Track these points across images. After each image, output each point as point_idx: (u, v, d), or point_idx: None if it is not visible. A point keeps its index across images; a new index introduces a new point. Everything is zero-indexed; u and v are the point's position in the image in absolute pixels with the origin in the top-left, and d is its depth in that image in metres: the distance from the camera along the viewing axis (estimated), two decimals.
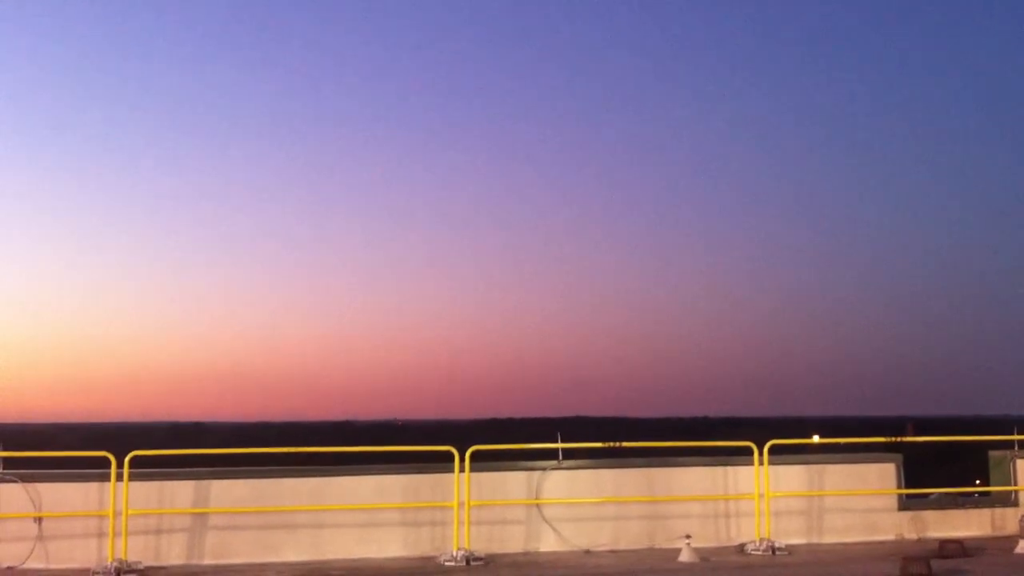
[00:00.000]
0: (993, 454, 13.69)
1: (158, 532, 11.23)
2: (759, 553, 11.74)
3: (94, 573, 10.45)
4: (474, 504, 11.60)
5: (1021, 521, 12.70)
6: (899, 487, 12.79)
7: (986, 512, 13.06)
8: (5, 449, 11.18)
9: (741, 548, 12.05)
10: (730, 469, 12.47)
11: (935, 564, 10.33)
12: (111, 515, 10.79)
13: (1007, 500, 13.24)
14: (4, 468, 11.07)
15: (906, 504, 12.85)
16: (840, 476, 12.74)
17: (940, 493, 13.62)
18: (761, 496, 12.05)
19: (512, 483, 12.06)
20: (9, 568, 10.84)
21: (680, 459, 12.74)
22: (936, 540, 11.99)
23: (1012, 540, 12.21)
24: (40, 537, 10.94)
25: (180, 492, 11.38)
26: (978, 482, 15.07)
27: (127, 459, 10.83)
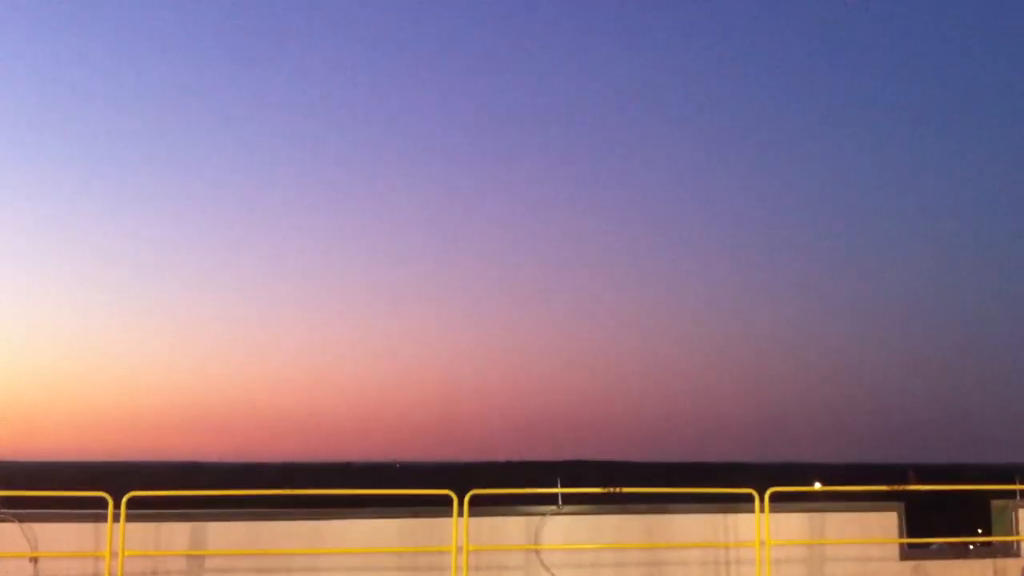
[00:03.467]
0: (995, 503, 13.60)
1: (154, 574, 11.15)
2: None
3: None
4: (472, 549, 11.52)
5: (1023, 573, 12.61)
6: (901, 536, 12.69)
7: (988, 562, 12.95)
8: (2, 488, 11.14)
9: None
10: (730, 516, 12.38)
11: None
12: (107, 556, 10.72)
13: (1009, 550, 13.13)
14: (1, 507, 11.02)
15: (908, 554, 12.74)
16: (841, 524, 12.64)
17: (942, 543, 13.52)
18: (762, 544, 11.97)
19: (511, 528, 11.97)
20: None
21: (680, 506, 12.65)
22: None
23: None
24: None
25: (176, 533, 11.31)
26: (980, 531, 14.96)
27: (124, 500, 10.77)
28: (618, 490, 12.91)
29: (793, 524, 12.47)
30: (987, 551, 13.24)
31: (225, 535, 11.38)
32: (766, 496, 12.06)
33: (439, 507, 11.68)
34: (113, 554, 10.72)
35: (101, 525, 10.89)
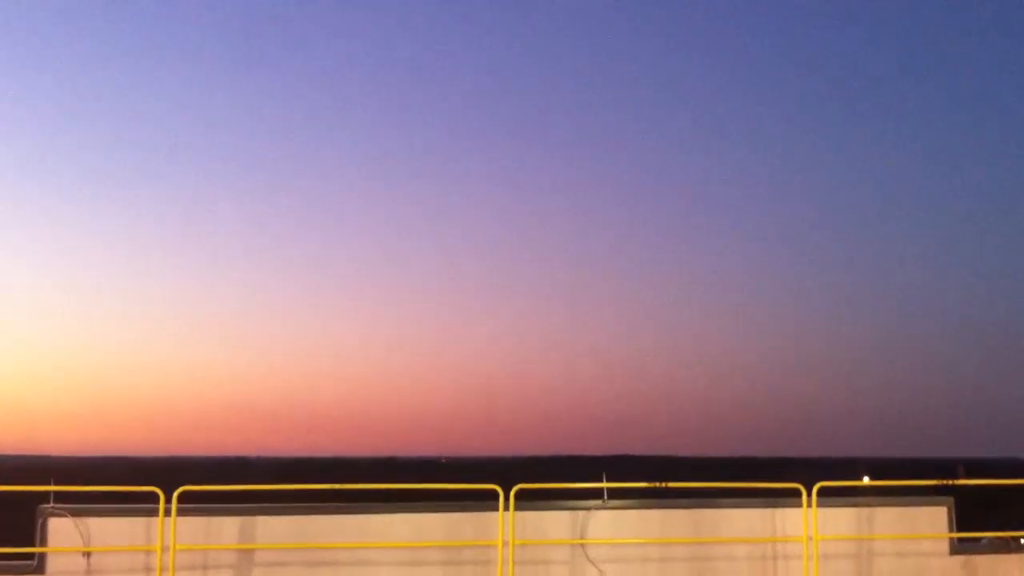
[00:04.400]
0: None
1: (204, 568, 11.29)
2: None
3: None
4: (518, 543, 11.55)
5: None
6: (950, 531, 12.57)
7: None
8: (55, 483, 11.32)
9: None
10: (778, 511, 12.32)
11: None
12: (159, 550, 10.88)
13: None
14: (55, 502, 11.20)
15: (957, 548, 12.62)
16: (890, 519, 12.54)
17: (992, 537, 13.37)
18: (809, 539, 11.90)
19: (556, 522, 11.99)
20: None
21: (727, 500, 12.61)
22: None
23: None
24: (89, 571, 11.03)
25: (226, 527, 11.44)
26: None
27: (175, 495, 10.92)
28: (664, 485, 12.89)
29: (841, 519, 12.38)
30: None
31: (273, 529, 11.50)
32: (814, 491, 11.98)
33: (485, 501, 11.73)
34: (164, 548, 10.87)
35: (152, 519, 11.04)
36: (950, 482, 13.60)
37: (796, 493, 12.06)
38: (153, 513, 11.01)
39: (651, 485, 12.96)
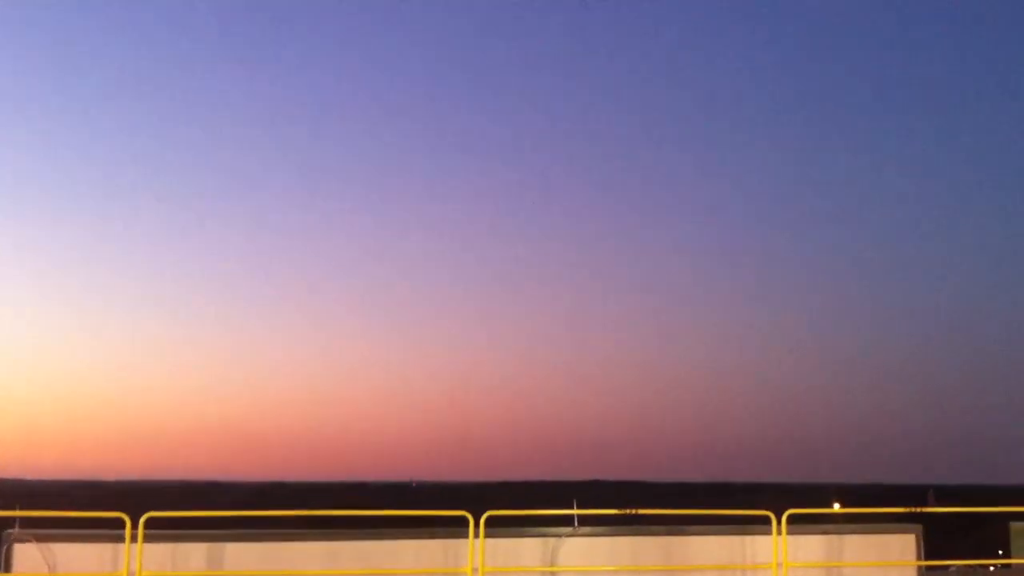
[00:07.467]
0: (1014, 525, 13.52)
1: None
2: None
3: None
4: (488, 570, 11.50)
5: None
6: (919, 558, 12.62)
7: None
8: (21, 508, 11.19)
9: None
10: (748, 538, 12.34)
11: None
12: None
13: None
14: (20, 527, 11.07)
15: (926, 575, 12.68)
16: (860, 546, 12.58)
17: (961, 565, 13.44)
18: (779, 566, 11.92)
19: (527, 549, 11.96)
20: None
21: (698, 527, 12.62)
22: None
23: None
24: None
25: (194, 554, 11.34)
26: (1000, 553, 14.88)
27: (142, 520, 10.81)
28: (635, 511, 12.89)
29: (811, 546, 12.42)
30: (1006, 573, 13.16)
31: (242, 556, 11.40)
32: (784, 518, 12.02)
33: (456, 528, 11.68)
34: (130, 574, 10.76)
35: (119, 545, 10.93)
36: (919, 509, 13.67)
37: (766, 520, 12.09)
38: (119, 539, 10.90)
39: (622, 512, 12.96)
